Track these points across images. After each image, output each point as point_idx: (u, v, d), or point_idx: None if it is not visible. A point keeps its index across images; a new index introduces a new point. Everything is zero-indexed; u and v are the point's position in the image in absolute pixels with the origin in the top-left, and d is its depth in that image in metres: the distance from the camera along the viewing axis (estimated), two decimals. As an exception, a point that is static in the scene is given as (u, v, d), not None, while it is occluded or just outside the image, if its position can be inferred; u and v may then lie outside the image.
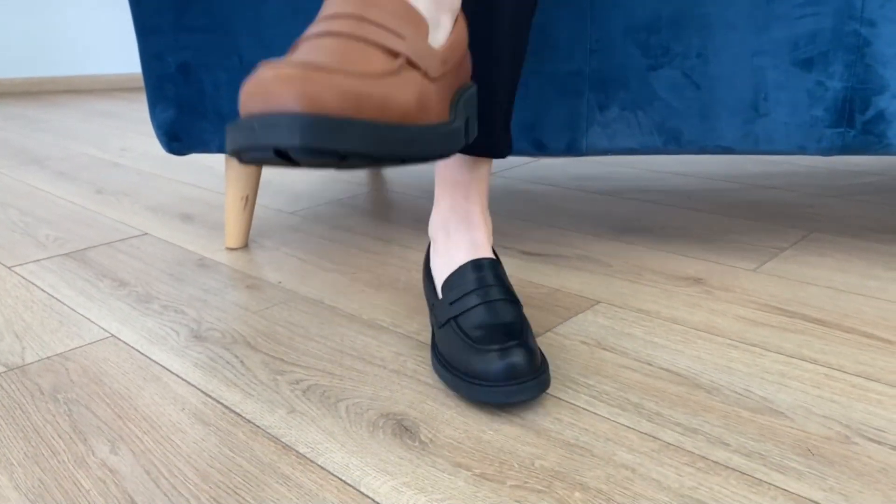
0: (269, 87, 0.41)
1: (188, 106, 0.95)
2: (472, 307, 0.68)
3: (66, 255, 1.10)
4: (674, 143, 0.89)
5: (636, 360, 0.74)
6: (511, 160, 1.65)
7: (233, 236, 1.10)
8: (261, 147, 0.42)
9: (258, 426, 0.65)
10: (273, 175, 1.57)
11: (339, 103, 0.41)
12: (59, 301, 0.93)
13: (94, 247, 1.13)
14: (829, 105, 0.83)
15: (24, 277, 1.01)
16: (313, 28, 0.49)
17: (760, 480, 0.56)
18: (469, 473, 0.57)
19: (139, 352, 0.79)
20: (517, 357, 0.63)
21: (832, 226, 1.11)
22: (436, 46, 0.53)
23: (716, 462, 0.58)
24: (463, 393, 0.65)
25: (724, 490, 0.55)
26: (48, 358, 0.78)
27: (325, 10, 0.50)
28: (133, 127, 2.26)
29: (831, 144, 0.85)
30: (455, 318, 0.69)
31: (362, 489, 0.56)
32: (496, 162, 1.63)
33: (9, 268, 1.05)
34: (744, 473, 0.57)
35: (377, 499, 0.55)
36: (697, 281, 0.93)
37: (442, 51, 0.53)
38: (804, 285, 0.90)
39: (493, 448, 0.60)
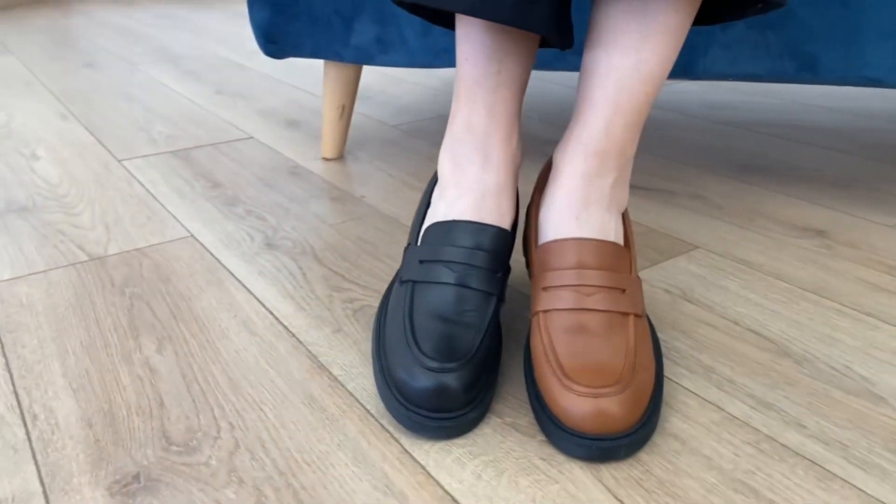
0: None
1: (282, 6, 0.92)
2: (439, 283, 0.56)
3: (173, 152, 1.13)
4: (808, 70, 0.76)
5: (721, 316, 0.66)
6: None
7: (328, 146, 1.08)
8: None
9: (300, 341, 0.63)
10: (381, 85, 1.54)
11: None
12: (154, 197, 0.95)
13: (200, 147, 1.16)
14: None
15: (129, 171, 1.05)
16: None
17: (834, 475, 0.47)
18: (499, 421, 0.53)
19: (211, 254, 0.79)
20: (449, 380, 0.50)
21: None
22: None
23: (785, 446, 0.50)
24: (379, 394, 0.54)
25: (785, 480, 0.47)
26: (128, 252, 0.80)
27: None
28: (270, 30, 2.29)
29: None
30: (415, 282, 0.57)
31: (383, 422, 0.53)
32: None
33: (119, 161, 1.09)
34: (815, 463, 0.48)
35: (396, 435, 0.52)
36: (819, 233, 0.81)
37: (635, 271, 0.59)
38: (952, 250, 0.76)
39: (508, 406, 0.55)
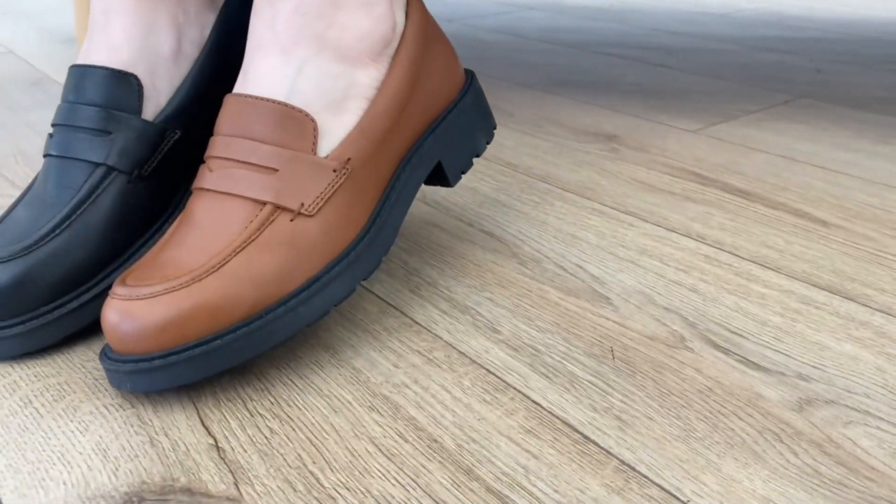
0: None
1: None
2: (45, 156, 0.42)
3: None
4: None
5: (457, 218, 0.54)
6: (484, 7, 1.40)
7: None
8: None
9: None
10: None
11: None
12: None
13: (-58, 61, 0.98)
14: None
15: None
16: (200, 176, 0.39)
17: (508, 385, 0.36)
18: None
19: None
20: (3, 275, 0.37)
21: (832, 93, 0.85)
22: (330, 147, 0.39)
23: (463, 353, 0.39)
24: None
25: (442, 394, 0.36)
26: None
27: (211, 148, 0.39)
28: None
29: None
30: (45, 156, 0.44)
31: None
32: (462, 10, 1.38)
33: None
34: (490, 372, 0.37)
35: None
36: (610, 138, 0.71)
37: (342, 147, 0.39)
38: (750, 152, 0.67)
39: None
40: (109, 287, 0.39)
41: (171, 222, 0.43)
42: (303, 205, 0.37)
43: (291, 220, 0.37)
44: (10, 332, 0.37)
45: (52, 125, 0.42)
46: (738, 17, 1.33)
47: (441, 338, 0.40)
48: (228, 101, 0.40)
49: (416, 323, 0.41)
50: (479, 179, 0.61)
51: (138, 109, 0.42)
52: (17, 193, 0.57)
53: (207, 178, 0.38)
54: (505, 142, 0.69)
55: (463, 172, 0.47)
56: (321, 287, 0.37)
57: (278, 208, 0.37)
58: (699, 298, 0.44)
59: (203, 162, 0.40)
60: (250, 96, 0.39)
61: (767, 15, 1.35)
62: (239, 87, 0.41)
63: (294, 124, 0.38)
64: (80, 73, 0.42)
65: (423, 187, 0.56)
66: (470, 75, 0.48)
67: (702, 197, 0.57)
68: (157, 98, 0.43)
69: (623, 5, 1.43)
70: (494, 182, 0.60)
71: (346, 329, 0.41)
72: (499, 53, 1.04)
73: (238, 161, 0.38)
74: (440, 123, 0.45)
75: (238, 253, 0.36)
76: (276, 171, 0.38)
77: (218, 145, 0.39)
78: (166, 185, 0.43)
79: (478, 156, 0.48)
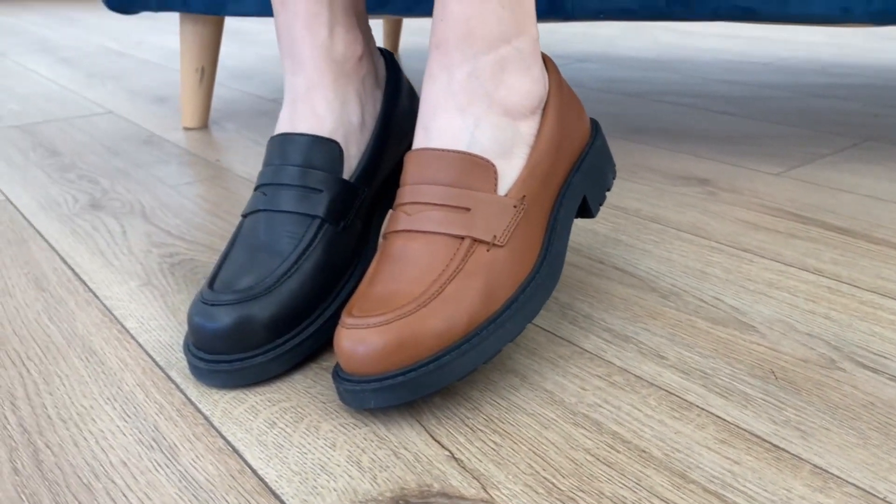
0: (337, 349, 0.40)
1: (121, -50, 0.83)
2: (254, 212, 0.47)
3: (17, 126, 1.02)
4: (679, 2, 0.71)
5: (587, 257, 0.59)
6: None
7: (188, 114, 0.98)
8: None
9: (97, 296, 0.53)
10: (264, 66, 1.45)
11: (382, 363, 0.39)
12: (-22, 166, 0.84)
13: (50, 121, 1.05)
14: (885, -50, 0.63)
15: (-42, 143, 0.93)
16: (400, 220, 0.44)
17: (691, 404, 0.41)
18: (315, 365, 0.45)
19: (23, 216, 0.69)
20: (217, 319, 0.41)
21: (894, 135, 0.91)
22: (507, 188, 0.45)
23: (639, 377, 0.43)
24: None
25: (634, 412, 0.40)
26: (-76, 216, 0.69)
27: (408, 195, 0.45)
28: (162, 26, 2.18)
29: (885, 6, 0.65)
30: (244, 216, 0.49)
31: (172, 373, 0.44)
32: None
33: (-51, 134, 0.98)
34: (671, 393, 0.42)
35: (184, 386, 0.43)
36: (702, 181, 0.76)
37: (516, 187, 0.45)
38: (837, 192, 0.72)
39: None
40: (320, 328, 0.44)
41: (360, 266, 0.49)
42: (495, 237, 0.43)
43: (488, 251, 0.43)
44: (232, 366, 0.42)
45: (261, 184, 0.48)
46: (781, 65, 1.40)
47: (614, 363, 0.45)
48: (413, 155, 0.45)
49: (587, 351, 0.46)
50: (594, 222, 0.66)
51: (341, 171, 0.48)
52: (176, 241, 0.62)
53: (405, 220, 0.44)
54: (604, 187, 0.75)
55: (600, 204, 0.53)
56: (520, 306, 0.42)
57: (476, 241, 0.43)
58: (835, 325, 0.48)
59: (392, 209, 0.45)
60: (437, 149, 0.45)
61: (809, 63, 1.41)
62: (421, 143, 0.46)
63: (479, 170, 0.44)
64: (287, 140, 0.48)
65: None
66: (594, 122, 0.54)
67: (806, 234, 0.62)
68: (350, 161, 0.49)
69: (671, 56, 1.50)
70: (610, 224, 0.65)
71: (526, 357, 0.45)
72: (567, 104, 1.11)
73: (433, 204, 0.43)
74: (582, 163, 0.51)
75: (451, 281, 0.41)
76: (469, 210, 0.43)
77: (409, 193, 0.44)
78: (359, 234, 0.49)
79: (609, 189, 0.54)
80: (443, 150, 0.45)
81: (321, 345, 0.45)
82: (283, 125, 0.49)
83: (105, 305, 0.52)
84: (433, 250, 0.42)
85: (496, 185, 0.45)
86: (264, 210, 0.47)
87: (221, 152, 0.88)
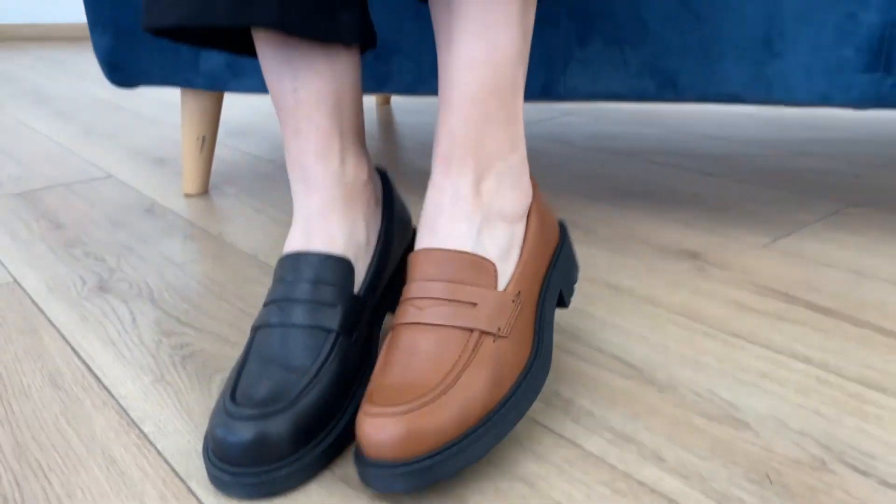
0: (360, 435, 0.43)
1: (126, 30, 0.86)
2: (268, 326, 0.49)
3: (19, 194, 1.03)
4: (669, 87, 0.74)
5: (586, 344, 0.61)
6: (526, 114, 1.50)
7: (189, 181, 1.00)
8: None
9: (112, 395, 0.55)
10: (259, 121, 1.47)
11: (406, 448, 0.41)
12: (-17, 241, 0.85)
13: (51, 187, 1.06)
14: (862, 43, 0.67)
15: (-39, 215, 0.94)
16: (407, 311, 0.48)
17: (691, 512, 0.43)
18: (330, 474, 0.46)
19: (32, 300, 0.70)
20: (241, 432, 0.43)
21: (875, 200, 0.94)
22: (504, 284, 0.50)
23: (641, 483, 0.45)
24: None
25: (638, 522, 0.42)
26: (-66, 302, 0.70)
27: (416, 291, 0.48)
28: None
29: (863, 94, 0.69)
30: (256, 328, 0.51)
31: (191, 483, 0.46)
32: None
33: (-48, 204, 0.99)
34: (672, 501, 0.44)
35: (203, 496, 0.44)
36: (693, 255, 0.79)
37: (512, 283, 0.50)
38: (821, 267, 0.75)
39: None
40: (337, 437, 0.46)
41: (368, 373, 0.51)
42: (499, 329, 0.47)
43: (494, 342, 0.47)
44: (259, 478, 0.43)
45: (275, 300, 0.50)
46: (766, 116, 1.44)
47: (617, 468, 0.47)
48: (422, 254, 0.50)
49: (591, 454, 0.48)
50: (591, 303, 0.68)
51: (352, 286, 0.50)
52: (186, 330, 0.64)
53: (415, 314, 0.47)
54: (598, 261, 0.77)
55: (571, 296, 0.58)
56: (524, 391, 0.47)
57: (484, 333, 0.47)
58: (825, 421, 0.51)
59: (400, 303, 0.49)
60: (446, 249, 0.49)
61: (793, 116, 1.45)
62: (427, 243, 0.50)
63: (482, 269, 0.49)
64: (301, 258, 0.51)
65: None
66: (562, 223, 0.60)
67: (794, 316, 0.65)
68: (358, 277, 0.52)
69: (657, 109, 1.54)
70: (606, 305, 0.68)
71: (533, 462, 0.47)
72: (555, 162, 1.14)
73: (442, 299, 0.47)
74: (557, 261, 0.56)
75: (465, 370, 0.45)
76: (476, 304, 0.47)
77: (418, 289, 0.48)
78: (364, 341, 0.51)
79: (575, 282, 0.59)
80: (450, 251, 0.49)
81: (339, 453, 0.47)
82: (297, 244, 0.52)
83: (121, 406, 0.54)
84: (444, 342, 0.46)
85: (497, 282, 0.49)
86: (279, 325, 0.49)
87: (223, 223, 0.90)
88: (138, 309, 0.68)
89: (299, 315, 0.49)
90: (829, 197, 0.96)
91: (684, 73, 0.73)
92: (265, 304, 0.51)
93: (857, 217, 0.88)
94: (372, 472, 0.42)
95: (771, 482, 0.45)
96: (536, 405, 0.53)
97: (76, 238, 0.86)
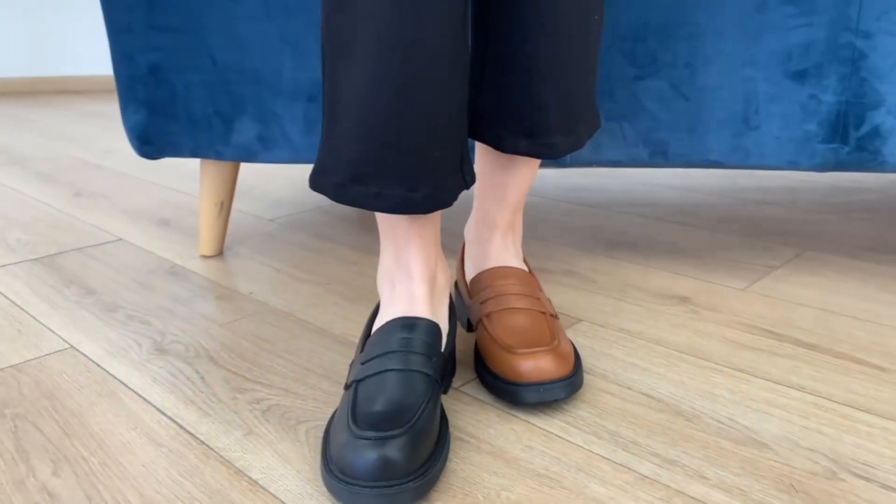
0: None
1: (159, 108, 0.92)
2: (379, 373, 0.59)
3: (36, 260, 1.07)
4: (660, 156, 0.85)
5: (615, 383, 0.71)
6: (501, 169, 1.61)
7: (207, 244, 1.06)
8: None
9: (211, 448, 0.61)
10: (255, 180, 1.54)
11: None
12: (22, 309, 0.89)
13: (65, 252, 1.10)
14: (823, 119, 0.80)
15: (-12, 283, 0.98)
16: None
17: (739, 519, 0.52)
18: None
19: (98, 365, 0.75)
20: (390, 451, 0.52)
21: (827, 244, 1.08)
22: None
23: (693, 497, 0.54)
24: (333, 494, 0.53)
25: (700, 530, 0.51)
26: (1, 370, 0.74)
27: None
28: (121, 128, 2.23)
29: (824, 160, 0.82)
30: (358, 381, 0.60)
31: (314, 521, 0.53)
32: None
33: (-26, 272, 1.02)
34: (722, 511, 0.53)
35: (329, 532, 0.51)
36: (684, 300, 0.90)
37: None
38: (795, 306, 0.87)
39: (458, 478, 0.57)
40: (437, 470, 0.54)
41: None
42: (553, 313, 0.76)
43: (555, 319, 0.74)
44: (401, 488, 0.52)
45: (387, 352, 0.60)
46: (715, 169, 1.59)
47: (670, 486, 0.56)
48: (494, 270, 0.77)
49: (646, 477, 0.57)
50: (610, 346, 0.78)
51: (441, 345, 0.62)
52: (255, 386, 0.70)
53: (502, 302, 0.73)
54: (605, 308, 0.87)
55: None
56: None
57: (549, 315, 0.74)
58: (828, 440, 0.61)
59: (480, 303, 0.75)
60: (508, 267, 0.77)
61: (736, 163, 1.61)
62: (488, 266, 0.78)
63: (531, 278, 0.78)
64: (409, 322, 0.63)
65: (610, 359, 0.73)
66: None
67: (784, 352, 0.76)
68: (442, 341, 0.65)
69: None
70: (623, 349, 0.77)
71: (600, 486, 0.56)
72: (539, 215, 1.24)
73: (520, 294, 0.73)
74: None
75: (556, 335, 0.69)
76: (539, 298, 0.75)
77: (494, 289, 0.74)
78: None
79: None
80: (511, 268, 0.76)
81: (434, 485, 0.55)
82: (402, 310, 0.65)
83: (223, 457, 0.60)
84: (535, 318, 0.70)
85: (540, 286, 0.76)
86: (393, 370, 0.59)
87: (249, 283, 0.97)
88: (203, 369, 0.74)
89: (414, 362, 0.60)
90: (789, 242, 1.09)
91: (674, 144, 0.84)
92: (368, 361, 0.61)
93: (814, 261, 1.02)
94: (534, 389, 0.63)
95: (796, 490, 0.55)
96: (588, 437, 0.62)
97: (113, 303, 0.91)
